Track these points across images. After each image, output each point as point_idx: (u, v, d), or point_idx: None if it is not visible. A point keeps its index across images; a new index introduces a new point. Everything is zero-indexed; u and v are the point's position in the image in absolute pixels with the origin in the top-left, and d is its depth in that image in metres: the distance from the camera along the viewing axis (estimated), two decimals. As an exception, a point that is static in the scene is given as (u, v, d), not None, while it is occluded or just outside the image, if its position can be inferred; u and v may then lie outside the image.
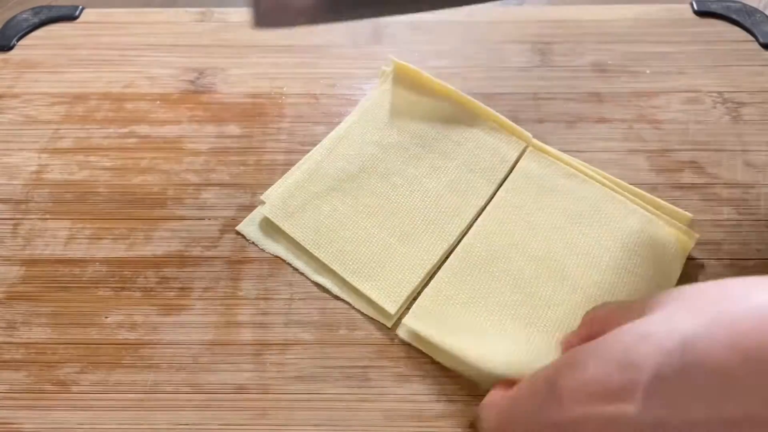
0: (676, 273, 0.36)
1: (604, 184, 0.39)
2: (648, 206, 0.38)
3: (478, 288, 0.35)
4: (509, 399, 0.27)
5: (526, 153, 0.41)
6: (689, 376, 0.21)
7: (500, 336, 0.33)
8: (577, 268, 0.36)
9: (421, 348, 0.33)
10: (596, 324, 0.28)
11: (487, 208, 0.39)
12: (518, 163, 0.41)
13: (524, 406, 0.26)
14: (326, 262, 0.36)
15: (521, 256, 0.36)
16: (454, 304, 0.35)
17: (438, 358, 0.33)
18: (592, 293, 0.35)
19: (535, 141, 0.42)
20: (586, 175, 0.40)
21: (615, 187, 0.39)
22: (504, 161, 0.41)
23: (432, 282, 0.36)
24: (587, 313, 0.30)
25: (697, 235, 0.37)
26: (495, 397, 0.29)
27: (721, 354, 0.21)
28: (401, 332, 0.34)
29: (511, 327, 0.33)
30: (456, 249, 0.37)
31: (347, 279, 0.36)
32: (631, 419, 0.22)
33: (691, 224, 0.38)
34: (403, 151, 0.41)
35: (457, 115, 0.43)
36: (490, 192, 0.39)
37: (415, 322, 0.33)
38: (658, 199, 0.39)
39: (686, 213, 0.38)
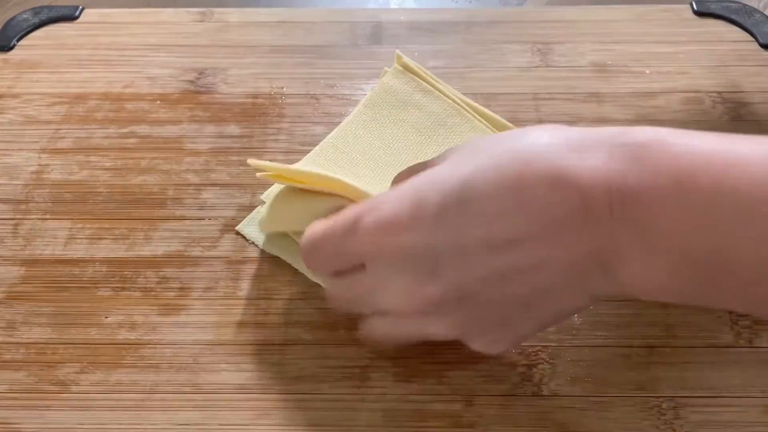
0: None
1: (455, 101, 0.42)
2: (490, 124, 0.42)
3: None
4: (322, 229, 0.30)
5: (390, 70, 0.43)
6: (466, 209, 0.26)
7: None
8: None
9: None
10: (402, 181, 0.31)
11: (347, 119, 0.42)
12: (382, 79, 0.43)
13: (330, 237, 0.29)
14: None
15: (368, 162, 0.39)
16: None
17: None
18: None
19: (405, 60, 0.43)
20: (441, 92, 0.42)
21: (464, 106, 0.42)
22: None
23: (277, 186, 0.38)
24: (397, 175, 0.33)
25: None
26: (314, 226, 0.31)
27: (489, 189, 0.26)
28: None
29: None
30: (312, 151, 0.40)
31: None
32: (418, 245, 0.27)
33: None
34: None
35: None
36: None
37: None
38: (502, 119, 0.42)
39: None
